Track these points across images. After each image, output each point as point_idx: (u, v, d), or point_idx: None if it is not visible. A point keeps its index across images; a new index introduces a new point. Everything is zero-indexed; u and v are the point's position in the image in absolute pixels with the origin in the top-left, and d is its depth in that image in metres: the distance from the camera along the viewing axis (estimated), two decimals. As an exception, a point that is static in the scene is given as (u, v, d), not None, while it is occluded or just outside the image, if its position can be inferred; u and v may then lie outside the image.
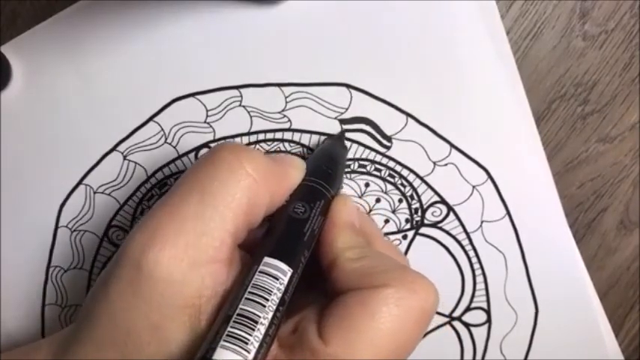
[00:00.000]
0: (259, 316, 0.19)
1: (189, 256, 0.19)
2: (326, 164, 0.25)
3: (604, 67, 0.29)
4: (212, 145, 0.28)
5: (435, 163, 0.28)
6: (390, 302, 0.20)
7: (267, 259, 0.20)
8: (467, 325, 0.29)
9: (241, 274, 0.21)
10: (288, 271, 0.20)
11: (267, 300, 0.19)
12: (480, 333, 0.29)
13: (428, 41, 0.27)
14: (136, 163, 0.28)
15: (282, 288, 0.20)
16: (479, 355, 0.29)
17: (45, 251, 0.28)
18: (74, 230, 0.28)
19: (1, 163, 0.27)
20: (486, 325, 0.29)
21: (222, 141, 0.28)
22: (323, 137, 0.28)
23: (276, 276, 0.20)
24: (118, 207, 0.28)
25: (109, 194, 0.28)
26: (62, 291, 0.28)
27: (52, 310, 0.29)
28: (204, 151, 0.28)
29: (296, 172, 0.23)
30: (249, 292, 0.19)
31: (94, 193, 0.28)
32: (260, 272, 0.20)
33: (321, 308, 0.21)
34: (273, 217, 0.23)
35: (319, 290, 0.22)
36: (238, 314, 0.19)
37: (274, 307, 0.19)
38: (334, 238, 0.22)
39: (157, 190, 0.28)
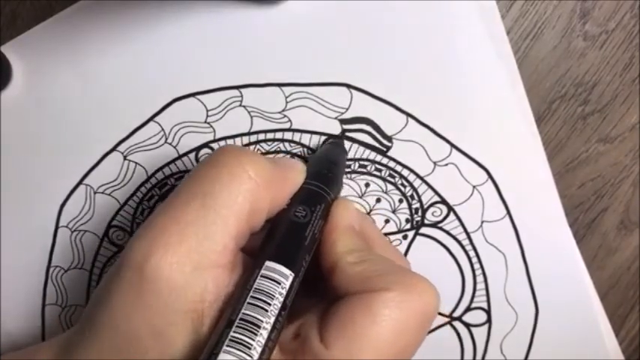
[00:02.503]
0: (262, 321, 0.19)
1: (191, 260, 0.19)
2: (326, 167, 0.25)
3: (604, 67, 0.29)
4: (212, 145, 0.28)
5: (435, 163, 0.28)
6: (391, 305, 0.20)
7: (268, 264, 0.20)
8: (467, 325, 0.29)
9: (243, 278, 0.21)
10: (290, 275, 0.20)
11: (270, 304, 0.19)
12: (480, 333, 0.29)
13: (428, 41, 0.27)
14: (136, 163, 0.28)
15: (284, 292, 0.20)
16: (479, 355, 0.29)
17: (45, 251, 0.28)
18: (74, 230, 0.28)
19: (1, 163, 0.27)
20: (486, 325, 0.29)
21: (224, 144, 0.28)
22: (323, 138, 0.28)
23: (278, 280, 0.20)
24: (118, 207, 0.28)
25: (109, 194, 0.28)
26: (62, 291, 0.28)
27: (52, 310, 0.29)
28: (204, 151, 0.28)
29: (297, 175, 0.23)
30: (252, 297, 0.19)
31: (95, 193, 0.28)
32: (262, 276, 0.20)
33: (322, 312, 0.21)
34: (274, 220, 0.23)
35: (320, 294, 0.22)
36: (241, 319, 0.19)
37: (276, 312, 0.19)
38: (335, 242, 0.22)
39: (158, 190, 0.28)
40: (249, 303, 0.19)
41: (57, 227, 0.28)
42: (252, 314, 0.19)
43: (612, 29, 0.29)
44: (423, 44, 0.27)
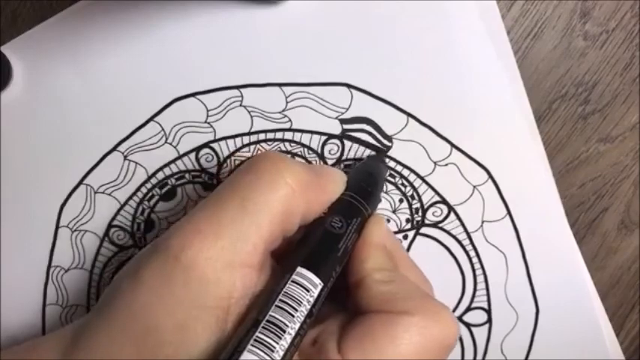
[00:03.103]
0: (287, 325, 0.19)
1: (224, 257, 0.20)
2: (367, 181, 0.25)
3: (605, 67, 0.29)
4: (213, 145, 0.28)
5: (435, 163, 0.28)
6: (412, 330, 0.20)
7: (300, 270, 0.20)
8: (467, 325, 0.29)
9: (272, 280, 0.21)
10: (320, 284, 0.20)
11: (297, 310, 0.19)
12: (480, 333, 0.29)
13: (428, 41, 0.27)
14: (136, 163, 0.28)
15: (312, 300, 0.20)
16: (479, 355, 0.29)
17: (45, 251, 0.28)
18: (75, 230, 0.28)
19: (1, 163, 0.27)
20: (487, 325, 0.29)
21: (225, 144, 0.28)
22: (324, 137, 0.28)
23: (308, 288, 0.20)
24: (118, 207, 0.28)
25: (109, 194, 0.28)
26: (63, 291, 0.28)
27: (53, 310, 0.29)
28: (205, 151, 0.28)
29: (335, 186, 0.24)
30: (280, 300, 0.19)
31: (95, 193, 0.28)
32: (292, 282, 0.20)
33: (342, 324, 0.21)
34: (310, 227, 0.23)
35: (342, 303, 0.22)
36: (267, 321, 0.19)
37: (302, 318, 0.19)
38: (365, 258, 0.22)
39: (158, 190, 0.28)
40: (277, 306, 0.19)
41: (57, 227, 0.28)
42: (279, 317, 0.19)
43: (612, 29, 0.29)
44: (424, 44, 0.27)
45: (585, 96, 0.30)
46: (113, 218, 0.28)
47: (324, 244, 0.22)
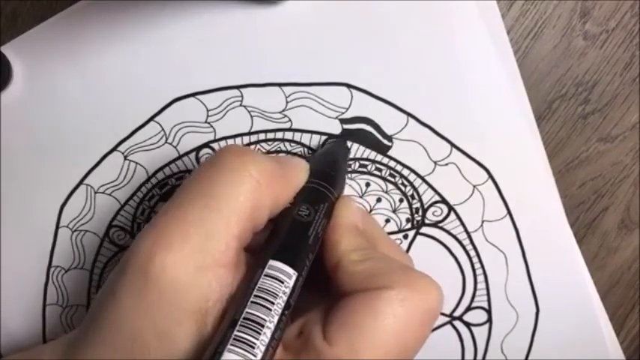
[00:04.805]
0: (265, 320, 0.19)
1: (195, 260, 0.20)
2: (329, 166, 0.25)
3: (605, 66, 0.29)
4: (213, 145, 0.28)
5: (435, 162, 0.28)
6: (393, 303, 0.20)
7: (272, 262, 0.20)
8: (468, 325, 0.29)
9: (246, 277, 0.21)
10: (293, 274, 0.20)
11: (273, 303, 0.19)
12: (480, 332, 0.29)
13: (428, 41, 0.27)
14: (136, 163, 0.28)
15: (288, 291, 0.20)
16: (480, 355, 0.29)
17: (46, 251, 0.28)
18: (75, 230, 0.28)
19: (1, 163, 0.27)
20: (487, 325, 0.29)
21: (224, 144, 0.28)
22: (324, 137, 0.28)
23: (282, 279, 0.20)
24: (118, 207, 0.28)
25: (109, 194, 0.28)
26: (63, 291, 0.28)
27: (53, 310, 0.29)
28: (205, 151, 0.28)
29: (300, 174, 0.23)
30: (255, 296, 0.19)
31: (95, 193, 0.28)
32: (265, 275, 0.20)
33: (325, 310, 0.21)
34: (278, 219, 0.23)
35: (323, 292, 0.22)
36: (244, 318, 0.19)
37: (280, 311, 0.19)
38: (338, 241, 0.22)
39: (158, 190, 0.28)
40: (252, 302, 0.19)
41: (57, 227, 0.28)
42: (256, 313, 0.19)
43: (612, 28, 0.29)
44: (424, 44, 0.27)
45: (585, 96, 0.30)
46: (113, 218, 0.28)
47: (293, 233, 0.21)
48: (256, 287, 0.19)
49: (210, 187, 0.21)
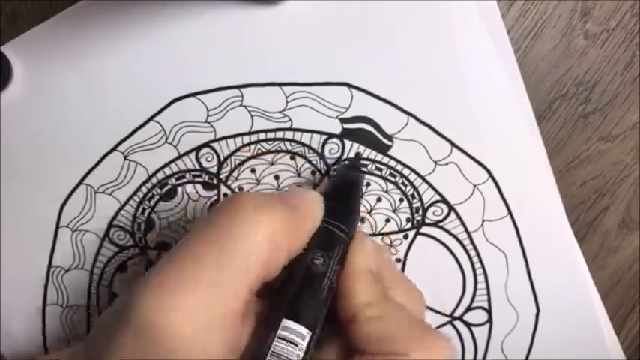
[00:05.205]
0: None
1: (203, 317, 0.18)
2: (343, 201, 0.24)
3: (605, 66, 0.29)
4: (213, 144, 0.28)
5: (436, 162, 0.28)
6: None
7: (285, 322, 0.20)
8: (468, 325, 0.29)
9: (258, 333, 0.20)
10: (307, 334, 0.20)
11: None
12: (481, 332, 0.29)
13: (428, 41, 0.27)
14: (136, 162, 0.28)
15: (301, 354, 0.19)
16: (480, 355, 0.29)
17: (46, 251, 0.28)
18: (75, 230, 0.28)
19: (1, 163, 0.27)
20: (487, 325, 0.29)
21: (225, 143, 0.27)
22: (324, 137, 0.28)
23: (295, 342, 0.19)
24: (119, 207, 0.28)
25: (109, 194, 0.28)
26: (63, 291, 0.28)
27: (53, 310, 0.29)
28: (205, 150, 0.28)
29: (315, 212, 0.22)
30: None
31: (95, 192, 0.28)
32: (279, 338, 0.19)
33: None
34: (290, 266, 0.21)
35: (335, 332, 0.22)
36: None
37: None
38: (353, 292, 0.22)
39: (158, 189, 0.28)
40: None
41: (57, 227, 0.28)
42: None
43: (613, 28, 0.29)
44: (424, 43, 0.27)
45: (586, 95, 0.30)
46: (113, 218, 0.28)
47: (306, 286, 0.21)
48: (270, 352, 0.19)
49: (222, 242, 0.19)
